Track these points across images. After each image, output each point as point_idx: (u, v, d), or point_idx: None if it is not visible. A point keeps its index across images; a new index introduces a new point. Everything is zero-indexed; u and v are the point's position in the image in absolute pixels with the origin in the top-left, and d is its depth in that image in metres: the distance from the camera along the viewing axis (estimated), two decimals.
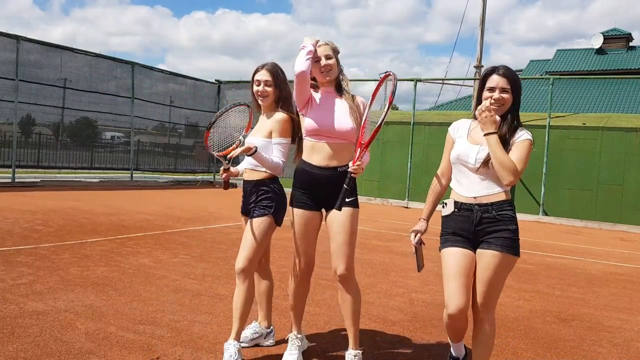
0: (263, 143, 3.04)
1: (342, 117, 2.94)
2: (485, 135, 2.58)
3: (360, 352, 2.98)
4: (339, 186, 2.78)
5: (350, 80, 3.15)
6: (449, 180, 2.82)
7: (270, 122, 3.09)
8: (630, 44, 28.52)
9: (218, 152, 3.01)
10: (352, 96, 3.04)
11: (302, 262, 3.04)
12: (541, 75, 27.00)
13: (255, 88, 3.14)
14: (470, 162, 2.65)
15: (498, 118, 2.60)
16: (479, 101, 2.68)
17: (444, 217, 2.76)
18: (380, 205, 14.29)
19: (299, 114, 3.03)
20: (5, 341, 3.08)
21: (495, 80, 2.62)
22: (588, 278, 6.16)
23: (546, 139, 12.81)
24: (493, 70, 2.66)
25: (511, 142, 2.60)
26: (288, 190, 2.96)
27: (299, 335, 3.13)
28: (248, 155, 2.95)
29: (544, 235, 10.08)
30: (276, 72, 3.12)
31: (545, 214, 12.84)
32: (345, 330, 3.04)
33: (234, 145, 2.98)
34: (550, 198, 12.89)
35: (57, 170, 14.66)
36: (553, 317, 4.41)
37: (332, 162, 2.93)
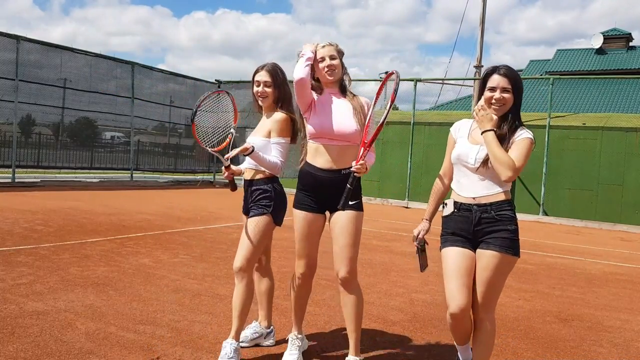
0: (262, 143, 3.05)
1: (346, 119, 2.93)
2: (482, 132, 2.58)
3: (360, 359, 2.95)
4: (343, 189, 2.76)
5: (351, 80, 3.15)
6: (451, 180, 2.81)
7: (269, 122, 3.11)
8: (630, 44, 28.51)
9: (212, 148, 3.03)
10: (357, 97, 3.04)
11: (304, 263, 3.04)
12: (541, 75, 27.00)
13: (255, 89, 3.16)
14: (470, 161, 2.65)
15: (495, 116, 2.60)
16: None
17: (444, 218, 2.76)
18: (380, 205, 14.29)
19: (303, 117, 3.03)
20: (5, 341, 3.09)
21: (496, 80, 2.62)
22: (588, 278, 6.16)
23: (546, 139, 12.80)
24: (494, 69, 2.66)
25: (511, 140, 2.60)
26: (288, 190, 2.95)
27: (300, 336, 3.13)
28: (245, 155, 2.97)
29: (544, 235, 10.08)
30: (275, 73, 3.14)
31: (545, 214, 12.84)
32: (345, 330, 3.03)
33: (227, 141, 2.99)
34: (550, 198, 12.89)
35: (57, 170, 14.67)
36: (553, 317, 4.42)
37: (336, 165, 2.92)
